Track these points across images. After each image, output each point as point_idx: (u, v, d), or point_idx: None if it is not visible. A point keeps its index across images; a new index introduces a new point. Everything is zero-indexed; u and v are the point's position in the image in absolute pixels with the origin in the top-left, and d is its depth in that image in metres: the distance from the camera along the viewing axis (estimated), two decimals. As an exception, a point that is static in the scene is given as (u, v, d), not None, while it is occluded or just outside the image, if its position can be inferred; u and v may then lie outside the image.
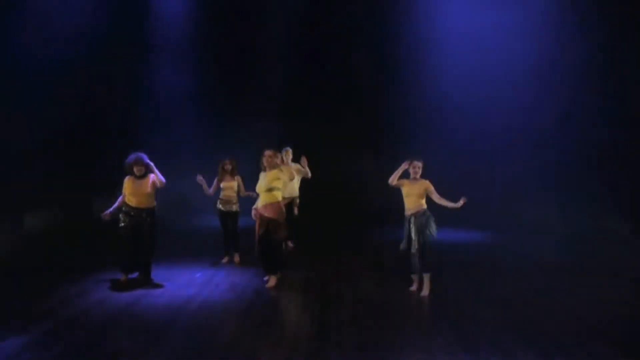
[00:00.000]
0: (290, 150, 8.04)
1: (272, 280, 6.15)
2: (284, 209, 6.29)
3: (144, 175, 6.35)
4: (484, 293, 5.89)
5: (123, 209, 6.36)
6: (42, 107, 8.89)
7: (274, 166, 6.20)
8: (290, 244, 8.04)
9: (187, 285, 6.28)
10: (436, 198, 5.77)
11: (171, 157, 10.88)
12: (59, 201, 9.63)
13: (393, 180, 5.82)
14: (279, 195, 6.20)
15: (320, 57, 12.33)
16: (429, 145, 10.18)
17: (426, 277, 5.75)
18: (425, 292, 5.73)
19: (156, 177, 6.36)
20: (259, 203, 6.21)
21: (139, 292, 5.92)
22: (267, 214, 6.07)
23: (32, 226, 9.12)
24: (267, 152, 6.23)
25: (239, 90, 12.11)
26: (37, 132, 8.87)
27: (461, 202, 5.63)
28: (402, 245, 5.85)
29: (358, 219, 11.16)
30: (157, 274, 6.61)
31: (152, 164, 6.38)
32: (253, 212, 6.30)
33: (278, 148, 6.89)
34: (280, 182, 6.18)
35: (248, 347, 4.28)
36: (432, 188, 5.79)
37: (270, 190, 6.10)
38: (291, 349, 4.27)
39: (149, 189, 6.35)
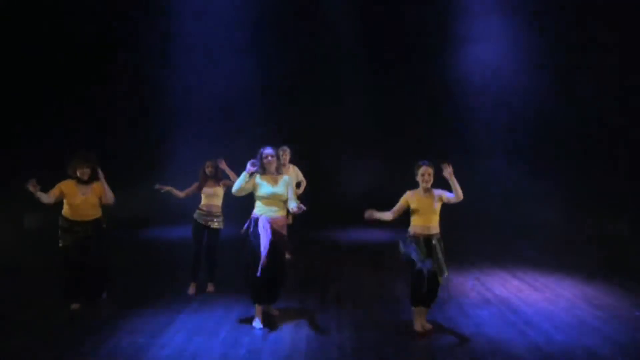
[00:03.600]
0: (288, 151, 7.13)
1: (259, 314, 4.88)
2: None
3: (88, 181, 5.27)
4: (484, 293, 5.89)
5: (60, 224, 5.23)
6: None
7: (278, 169, 5.06)
8: (288, 255, 6.21)
9: (187, 285, 6.26)
10: (451, 197, 4.58)
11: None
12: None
13: (393, 215, 4.71)
14: (284, 206, 5.00)
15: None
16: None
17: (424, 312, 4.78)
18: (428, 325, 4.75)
19: (104, 189, 5.31)
20: (269, 210, 4.87)
21: (138, 292, 5.91)
22: (278, 226, 4.86)
23: (32, 226, 9.12)
24: (269, 152, 4.99)
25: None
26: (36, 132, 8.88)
27: (448, 168, 4.49)
28: (423, 265, 4.55)
29: (356, 219, 11.15)
30: (158, 272, 6.60)
31: (101, 172, 5.36)
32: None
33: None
34: (289, 189, 4.98)
35: (248, 347, 4.28)
36: (445, 194, 4.64)
37: (285, 200, 4.93)
38: (291, 349, 4.27)
39: (94, 199, 5.25)
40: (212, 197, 6.00)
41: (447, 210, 4.78)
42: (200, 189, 6.04)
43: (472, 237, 9.52)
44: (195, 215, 6.00)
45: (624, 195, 9.09)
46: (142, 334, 4.58)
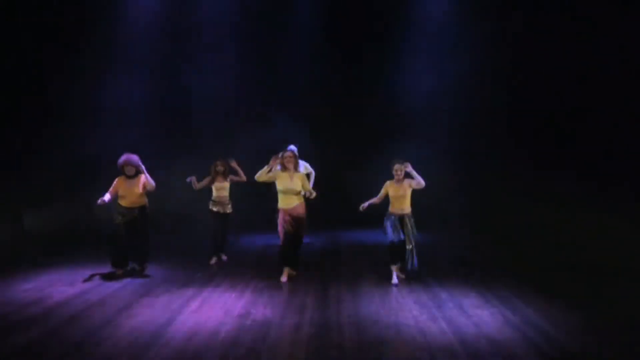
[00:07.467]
0: (295, 150, 7.49)
1: (285, 274, 6.45)
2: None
3: (134, 176, 6.63)
4: (484, 292, 5.89)
5: (117, 209, 6.63)
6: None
7: (295, 167, 6.50)
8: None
9: (187, 284, 6.28)
10: (416, 183, 6.24)
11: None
12: (60, 201, 9.63)
13: (379, 199, 6.41)
14: (299, 197, 6.47)
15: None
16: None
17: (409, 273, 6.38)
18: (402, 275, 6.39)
19: (147, 179, 6.67)
20: (287, 203, 6.38)
21: (138, 292, 5.92)
22: (297, 213, 6.40)
23: (32, 226, 9.12)
24: (289, 153, 6.43)
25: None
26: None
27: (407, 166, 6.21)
28: (395, 238, 6.24)
29: (356, 219, 11.14)
30: (158, 273, 6.62)
31: (142, 166, 6.67)
32: (284, 214, 6.42)
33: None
34: (304, 184, 6.48)
35: (248, 347, 4.28)
36: (413, 182, 6.27)
37: (299, 191, 6.38)
38: (291, 348, 4.27)
39: (139, 190, 6.65)
40: (221, 190, 7.45)
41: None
42: (211, 183, 7.42)
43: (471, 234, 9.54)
44: (210, 206, 7.47)
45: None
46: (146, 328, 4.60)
